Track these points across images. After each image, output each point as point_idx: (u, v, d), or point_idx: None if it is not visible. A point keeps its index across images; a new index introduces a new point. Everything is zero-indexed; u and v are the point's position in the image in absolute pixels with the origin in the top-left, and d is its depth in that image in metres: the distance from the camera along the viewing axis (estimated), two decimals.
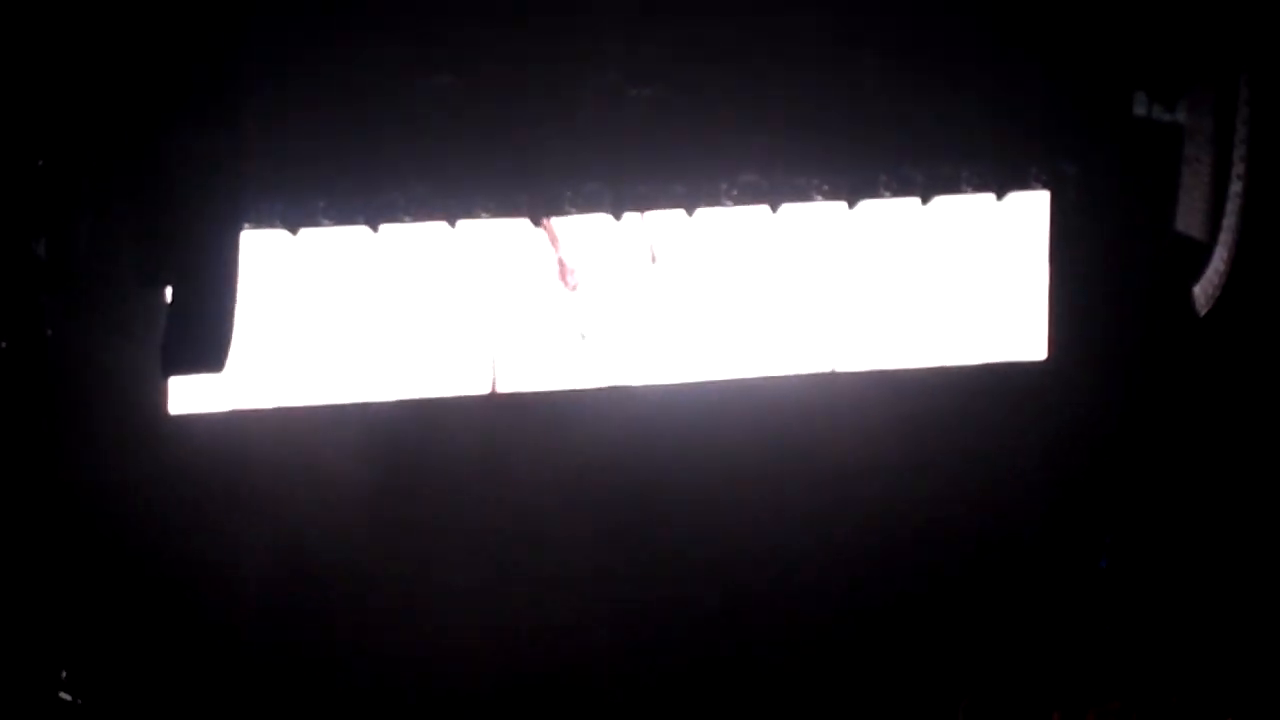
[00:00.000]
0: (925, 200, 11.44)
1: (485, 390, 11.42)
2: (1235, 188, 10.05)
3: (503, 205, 11.00)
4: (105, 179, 9.90)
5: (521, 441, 11.33)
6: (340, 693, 11.21)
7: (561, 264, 11.46)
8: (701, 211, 11.29)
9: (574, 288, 11.51)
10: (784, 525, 11.61)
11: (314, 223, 10.78)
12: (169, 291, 9.40)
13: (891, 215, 11.68)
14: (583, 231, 11.42)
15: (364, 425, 11.18)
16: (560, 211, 11.04)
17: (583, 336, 11.59)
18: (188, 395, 10.88)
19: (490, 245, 11.39)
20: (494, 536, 11.27)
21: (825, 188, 11.27)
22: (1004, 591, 11.77)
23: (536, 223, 11.18)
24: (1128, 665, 11.47)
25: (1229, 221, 10.12)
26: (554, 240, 11.41)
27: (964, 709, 11.41)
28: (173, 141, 9.06)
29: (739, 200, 11.23)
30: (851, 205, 11.37)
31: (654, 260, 11.59)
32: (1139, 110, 11.09)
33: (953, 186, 11.43)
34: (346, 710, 11.19)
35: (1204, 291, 10.41)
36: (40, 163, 9.78)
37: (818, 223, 11.67)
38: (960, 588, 11.75)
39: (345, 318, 11.46)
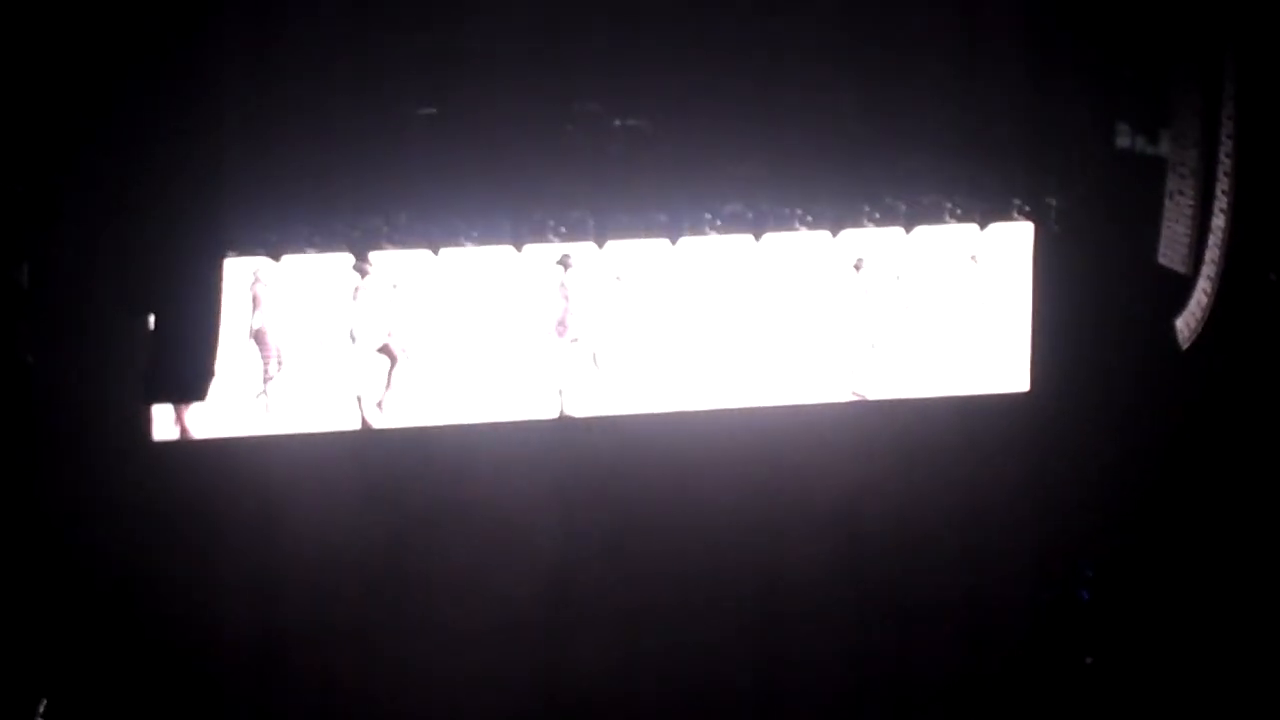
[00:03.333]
0: (908, 230, 11.48)
1: (471, 419, 11.45)
2: (1217, 221, 10.08)
3: (486, 233, 11.03)
4: (88, 206, 9.91)
5: (512, 468, 11.33)
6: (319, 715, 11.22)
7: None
8: (685, 240, 11.36)
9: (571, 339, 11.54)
10: (769, 554, 11.62)
11: (298, 250, 10.79)
12: (152, 319, 9.38)
13: (875, 246, 11.72)
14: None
15: (347, 453, 11.19)
16: (543, 239, 11.06)
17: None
18: (170, 422, 10.88)
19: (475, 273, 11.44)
20: (479, 560, 11.27)
21: (809, 218, 11.32)
22: (986, 622, 11.77)
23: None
24: (1109, 694, 11.49)
25: (1211, 254, 10.15)
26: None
27: None
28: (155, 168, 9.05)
29: (723, 230, 11.27)
30: (835, 235, 11.40)
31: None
32: (1122, 143, 11.14)
33: (936, 217, 11.48)
34: None
35: (1186, 324, 10.44)
36: (20, 189, 9.80)
37: (802, 253, 11.72)
38: (942, 617, 11.76)
39: (331, 345, 11.47)
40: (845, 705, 11.63)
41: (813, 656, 11.65)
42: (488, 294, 11.50)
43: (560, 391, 11.55)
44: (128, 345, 9.95)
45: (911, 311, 12.41)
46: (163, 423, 10.82)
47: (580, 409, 11.55)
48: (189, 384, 9.42)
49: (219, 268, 9.39)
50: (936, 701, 11.67)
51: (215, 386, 9.44)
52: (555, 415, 11.51)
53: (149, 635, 10.89)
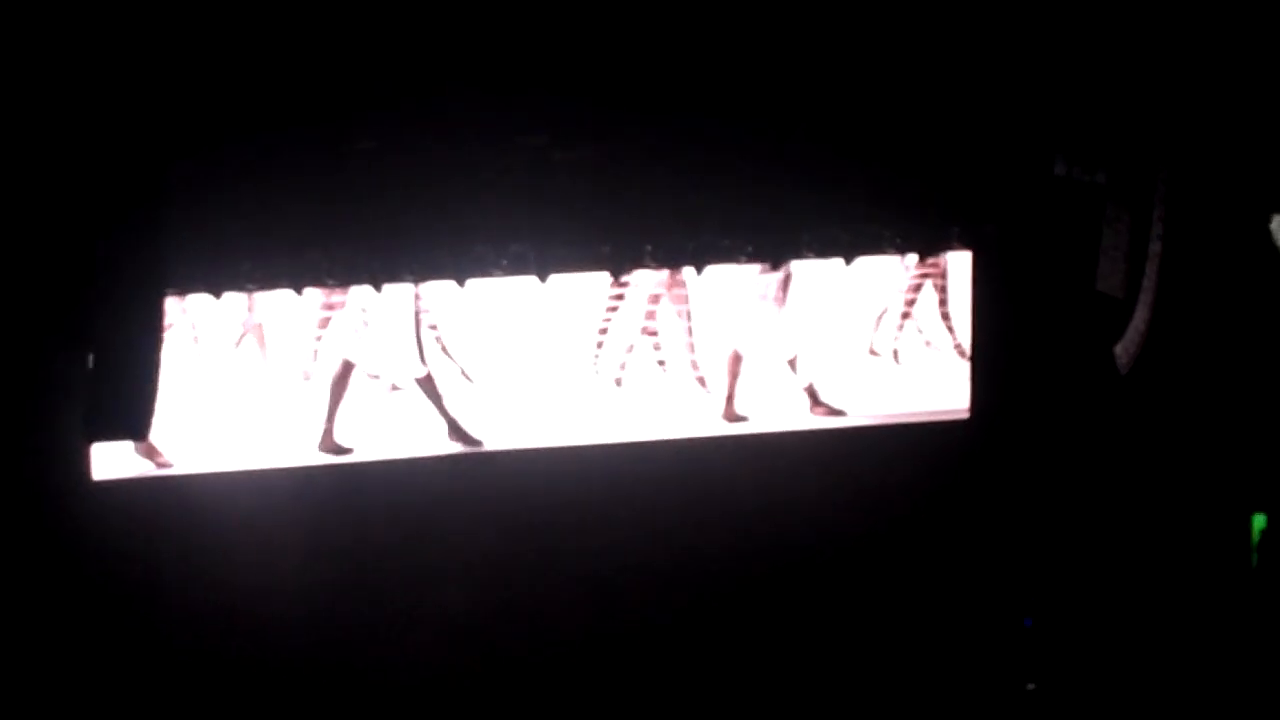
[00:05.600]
0: (849, 260, 11.51)
1: (409, 454, 11.43)
2: (1154, 248, 10.16)
3: (427, 268, 10.98)
4: (26, 243, 9.84)
5: (450, 501, 11.30)
6: None
7: None
8: (627, 274, 11.39)
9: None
10: (710, 578, 11.64)
11: (238, 287, 10.72)
12: (91, 357, 9.33)
13: (816, 275, 11.77)
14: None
15: (288, 490, 11.13)
16: (485, 273, 11.04)
17: None
18: (111, 461, 10.78)
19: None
20: (426, 597, 11.25)
21: (750, 248, 11.33)
22: (926, 646, 11.80)
23: None
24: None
25: (1149, 281, 10.23)
26: None
27: None
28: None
29: (664, 262, 11.28)
30: (776, 266, 11.43)
31: None
32: (1060, 171, 11.21)
33: (876, 246, 11.52)
34: None
35: (1125, 350, 10.51)
36: None
37: (744, 283, 11.77)
38: (881, 641, 11.78)
39: (271, 381, 11.42)
40: None
41: (755, 681, 11.64)
42: (437, 327, 11.58)
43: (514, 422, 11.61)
44: (67, 384, 9.89)
45: (851, 338, 12.52)
46: (105, 461, 10.73)
47: (531, 441, 11.59)
48: (129, 422, 9.39)
49: (160, 305, 9.36)
50: None
51: (155, 424, 9.42)
52: (506, 447, 11.53)
53: (90, 678, 10.78)
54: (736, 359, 11.93)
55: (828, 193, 11.22)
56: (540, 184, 10.85)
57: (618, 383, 12.12)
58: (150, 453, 10.94)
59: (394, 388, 11.71)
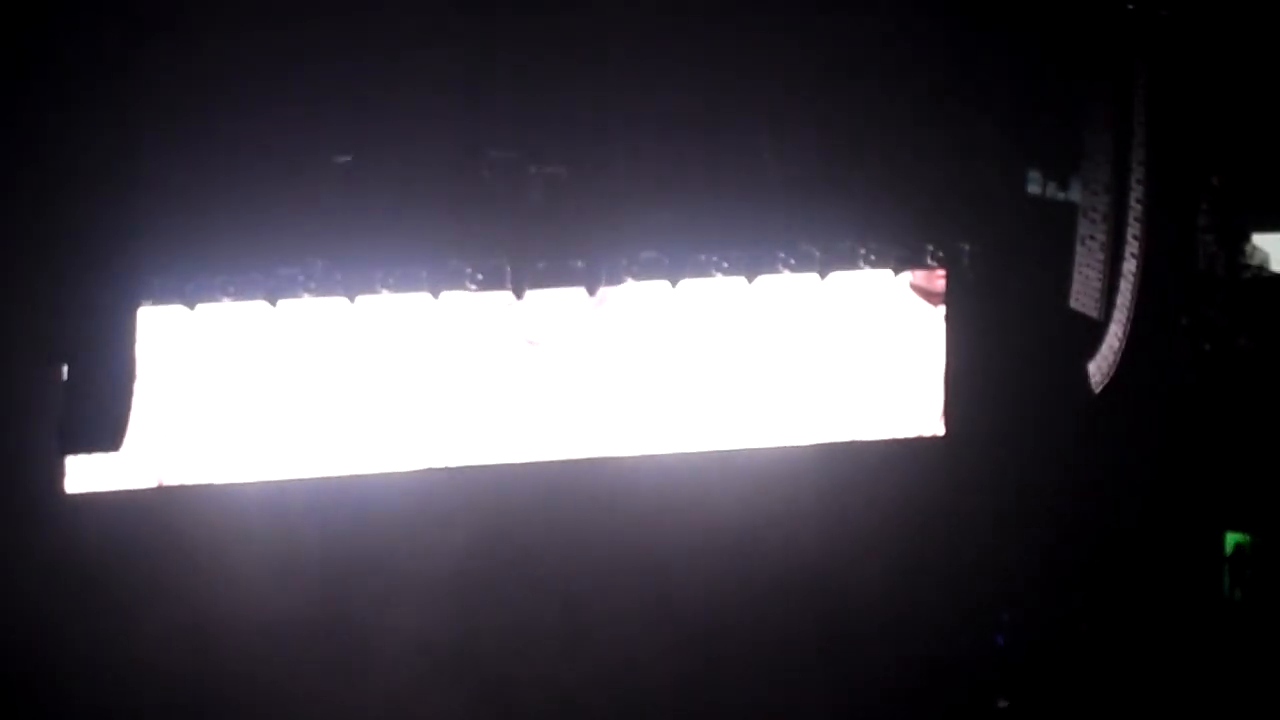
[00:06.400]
0: (823, 276, 11.53)
1: (393, 468, 11.41)
2: (1129, 265, 10.19)
3: (402, 281, 10.98)
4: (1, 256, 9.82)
5: (435, 516, 11.34)
6: None
7: None
8: (603, 288, 11.37)
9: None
10: (688, 597, 11.65)
11: (213, 298, 10.70)
12: (65, 369, 9.28)
13: (790, 291, 11.76)
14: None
15: (262, 504, 11.09)
16: (460, 287, 11.04)
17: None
18: (84, 474, 10.75)
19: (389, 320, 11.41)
20: (406, 613, 11.24)
21: (725, 264, 11.34)
22: (901, 665, 11.81)
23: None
24: None
25: (1122, 299, 10.26)
26: None
27: None
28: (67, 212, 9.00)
29: (639, 276, 11.28)
30: (750, 281, 11.43)
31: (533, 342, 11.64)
32: (1033, 189, 11.25)
33: (850, 263, 11.54)
34: None
35: (1099, 368, 10.54)
36: None
37: (717, 298, 11.75)
38: (858, 661, 11.79)
39: (244, 394, 11.37)
40: None
41: (732, 698, 11.64)
42: (406, 341, 11.51)
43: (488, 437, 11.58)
44: (41, 396, 9.86)
45: (827, 356, 12.50)
46: (76, 474, 10.70)
47: (505, 456, 11.56)
48: (103, 434, 9.34)
49: (133, 317, 9.31)
50: None
51: (129, 437, 9.37)
52: (481, 462, 11.51)
53: (62, 693, 10.74)
54: None
55: (804, 209, 11.26)
56: (515, 199, 10.87)
57: (594, 397, 12.08)
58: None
59: None
